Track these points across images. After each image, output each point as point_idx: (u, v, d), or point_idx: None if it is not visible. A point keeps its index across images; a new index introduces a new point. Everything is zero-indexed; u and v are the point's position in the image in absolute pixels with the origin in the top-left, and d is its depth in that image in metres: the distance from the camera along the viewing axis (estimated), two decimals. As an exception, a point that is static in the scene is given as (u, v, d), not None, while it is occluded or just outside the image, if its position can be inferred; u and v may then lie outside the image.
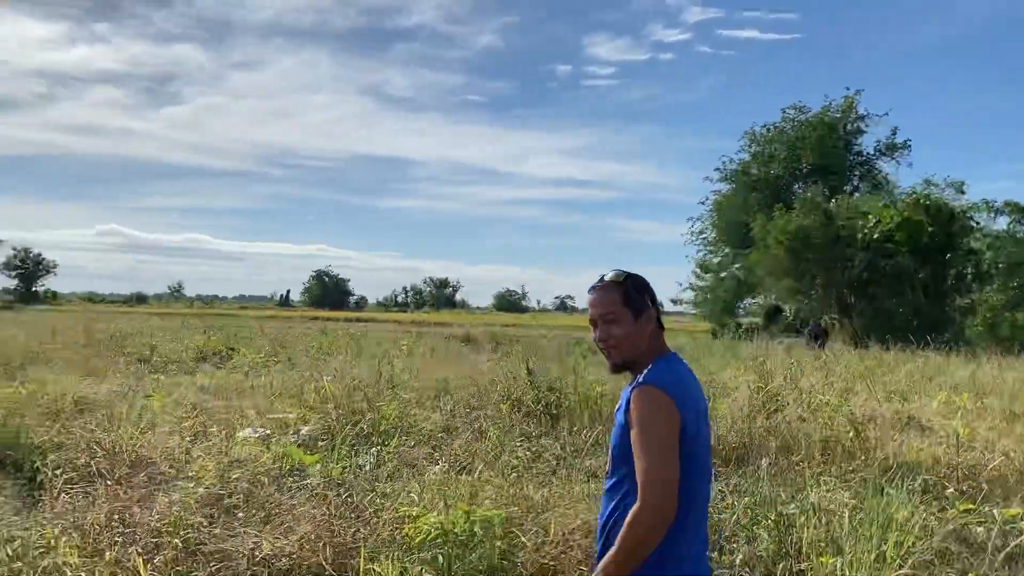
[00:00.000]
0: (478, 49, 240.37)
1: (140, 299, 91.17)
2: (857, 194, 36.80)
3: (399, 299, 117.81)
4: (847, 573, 3.69)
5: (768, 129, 39.88)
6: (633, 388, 2.28)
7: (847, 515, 4.15)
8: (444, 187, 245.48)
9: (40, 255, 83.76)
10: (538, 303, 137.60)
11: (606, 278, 2.45)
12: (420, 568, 3.84)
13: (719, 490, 5.21)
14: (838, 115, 38.67)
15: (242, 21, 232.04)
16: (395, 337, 25.77)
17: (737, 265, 40.20)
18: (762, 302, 41.19)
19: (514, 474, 5.36)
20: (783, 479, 5.59)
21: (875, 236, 29.22)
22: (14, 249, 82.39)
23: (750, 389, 7.96)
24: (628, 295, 2.39)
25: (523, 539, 4.22)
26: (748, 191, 38.97)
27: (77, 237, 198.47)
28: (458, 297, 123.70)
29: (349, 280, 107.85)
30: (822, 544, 4.05)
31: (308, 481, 5.41)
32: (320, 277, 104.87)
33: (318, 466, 5.78)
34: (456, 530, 4.04)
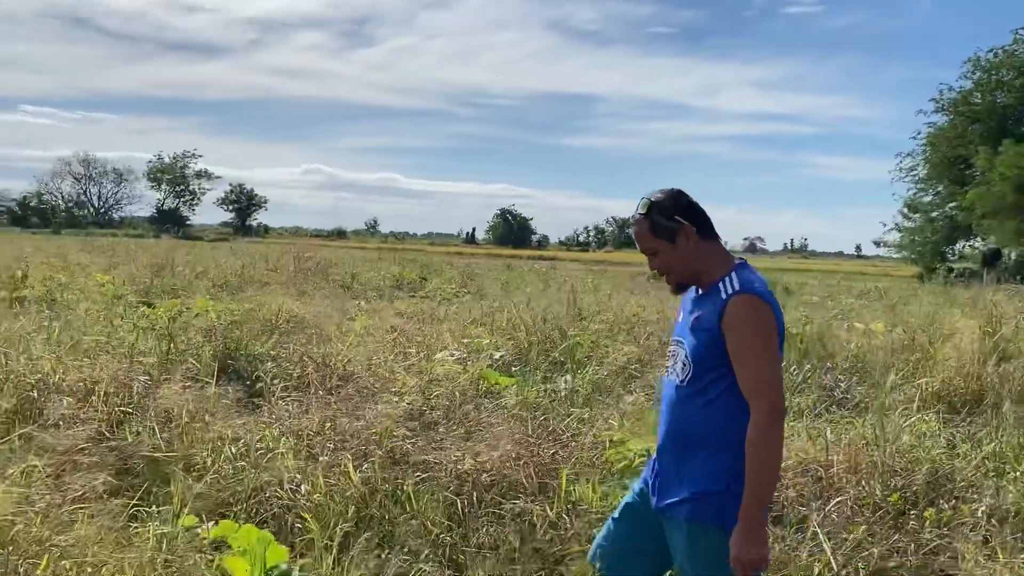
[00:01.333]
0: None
1: (340, 234, 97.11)
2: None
3: (580, 238, 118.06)
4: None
5: (995, 54, 35.64)
6: (729, 296, 2.28)
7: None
8: (630, 123, 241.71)
9: (253, 191, 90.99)
10: (725, 244, 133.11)
11: (637, 208, 2.44)
12: (622, 494, 3.71)
13: (946, 437, 4.73)
14: (1084, 34, 33.90)
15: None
16: (579, 274, 25.79)
17: (952, 204, 36.80)
18: (978, 245, 37.58)
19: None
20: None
21: None
22: (230, 185, 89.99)
23: (980, 331, 7.17)
24: (654, 225, 2.39)
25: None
26: (969, 123, 35.25)
27: (286, 175, 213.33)
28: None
29: (532, 219, 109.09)
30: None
31: (503, 402, 5.44)
32: (504, 216, 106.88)
33: (514, 389, 5.81)
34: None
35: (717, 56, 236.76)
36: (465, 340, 7.30)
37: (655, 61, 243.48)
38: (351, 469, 3.81)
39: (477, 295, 13.98)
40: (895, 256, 44.07)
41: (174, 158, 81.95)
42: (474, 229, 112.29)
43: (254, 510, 3.71)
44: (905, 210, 39.82)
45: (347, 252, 34.05)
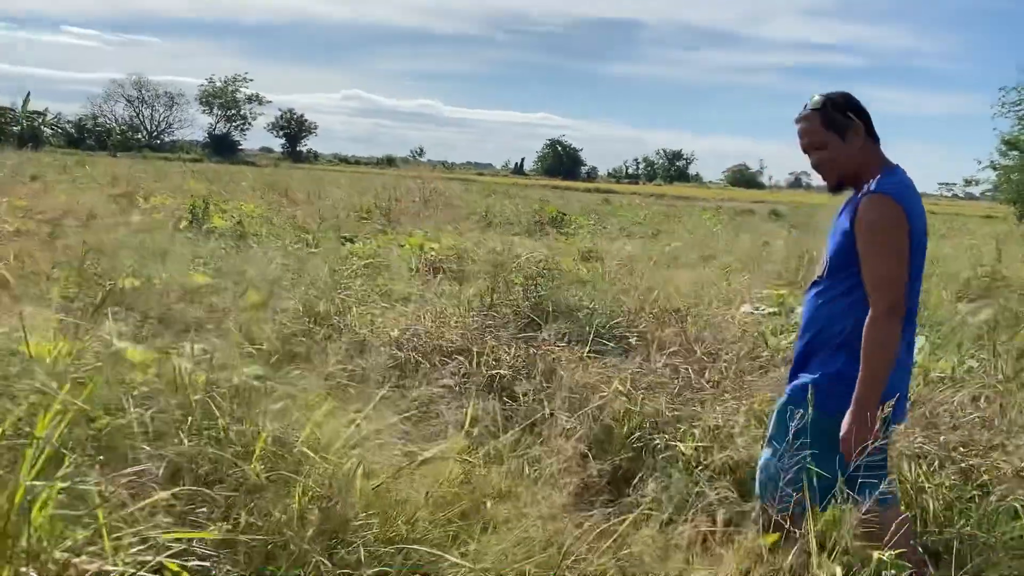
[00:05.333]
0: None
1: (389, 162, 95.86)
2: None
3: (629, 170, 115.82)
4: None
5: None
6: (862, 196, 2.38)
7: None
8: (674, 52, 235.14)
9: (303, 116, 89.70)
10: (770, 179, 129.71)
11: (807, 105, 2.52)
12: None
13: None
14: None
15: None
16: (676, 210, 24.72)
17: (1059, 141, 34.90)
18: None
19: None
20: None
21: None
22: (280, 111, 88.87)
23: None
24: (829, 118, 2.47)
25: None
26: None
27: (325, 101, 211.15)
28: (691, 170, 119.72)
29: (582, 150, 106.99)
30: None
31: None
32: (553, 146, 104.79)
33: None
34: None
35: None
36: (763, 292, 6.57)
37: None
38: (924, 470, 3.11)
39: (661, 234, 13.18)
40: (989, 195, 42.20)
41: (225, 82, 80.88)
42: (523, 160, 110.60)
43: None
44: (1003, 147, 37.84)
45: (411, 181, 32.89)
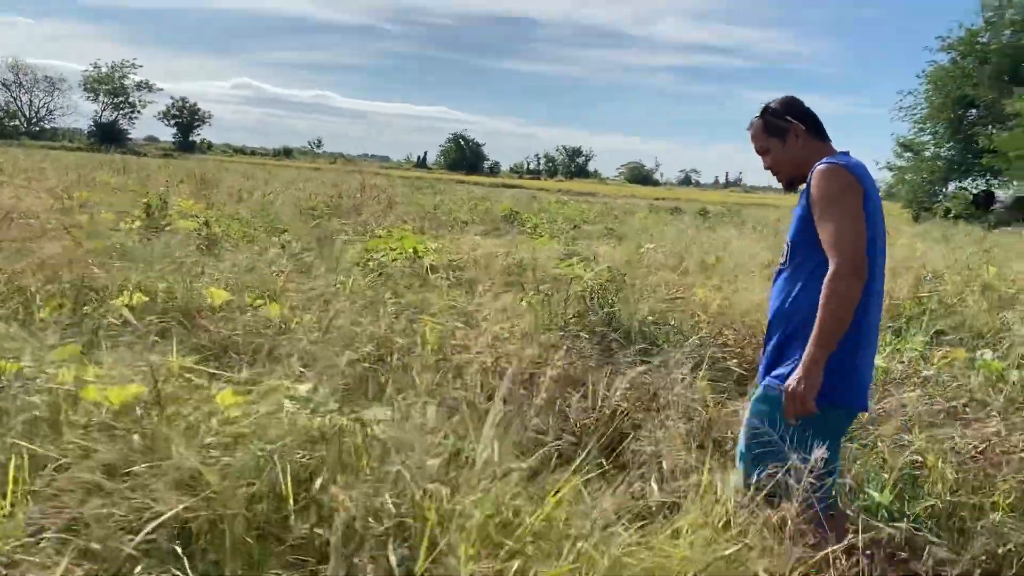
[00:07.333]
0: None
1: (287, 153, 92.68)
2: None
3: (531, 166, 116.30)
4: None
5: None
6: (812, 171, 2.41)
7: None
8: (568, 49, 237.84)
9: (196, 105, 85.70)
10: (662, 176, 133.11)
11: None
12: None
13: None
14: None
15: None
16: (607, 208, 24.58)
17: (949, 144, 36.82)
18: (968, 187, 37.75)
19: None
20: None
21: None
22: (172, 99, 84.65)
23: None
24: (767, 125, 2.59)
25: None
26: (976, 63, 34.91)
27: (215, 89, 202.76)
28: (590, 167, 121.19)
29: (484, 144, 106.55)
30: None
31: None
32: (456, 140, 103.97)
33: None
34: None
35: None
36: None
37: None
38: None
39: (612, 233, 12.83)
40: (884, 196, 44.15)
41: (112, 68, 76.28)
42: (425, 153, 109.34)
43: None
44: (898, 149, 39.68)
45: (323, 175, 31.61)
